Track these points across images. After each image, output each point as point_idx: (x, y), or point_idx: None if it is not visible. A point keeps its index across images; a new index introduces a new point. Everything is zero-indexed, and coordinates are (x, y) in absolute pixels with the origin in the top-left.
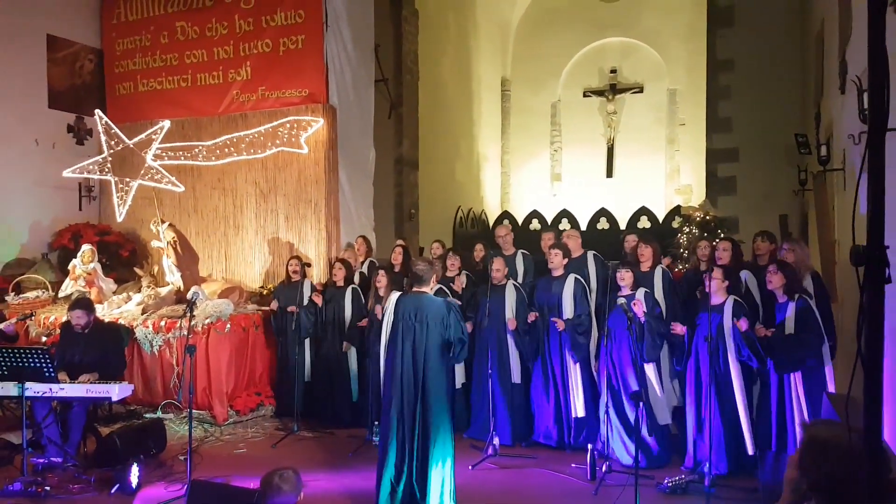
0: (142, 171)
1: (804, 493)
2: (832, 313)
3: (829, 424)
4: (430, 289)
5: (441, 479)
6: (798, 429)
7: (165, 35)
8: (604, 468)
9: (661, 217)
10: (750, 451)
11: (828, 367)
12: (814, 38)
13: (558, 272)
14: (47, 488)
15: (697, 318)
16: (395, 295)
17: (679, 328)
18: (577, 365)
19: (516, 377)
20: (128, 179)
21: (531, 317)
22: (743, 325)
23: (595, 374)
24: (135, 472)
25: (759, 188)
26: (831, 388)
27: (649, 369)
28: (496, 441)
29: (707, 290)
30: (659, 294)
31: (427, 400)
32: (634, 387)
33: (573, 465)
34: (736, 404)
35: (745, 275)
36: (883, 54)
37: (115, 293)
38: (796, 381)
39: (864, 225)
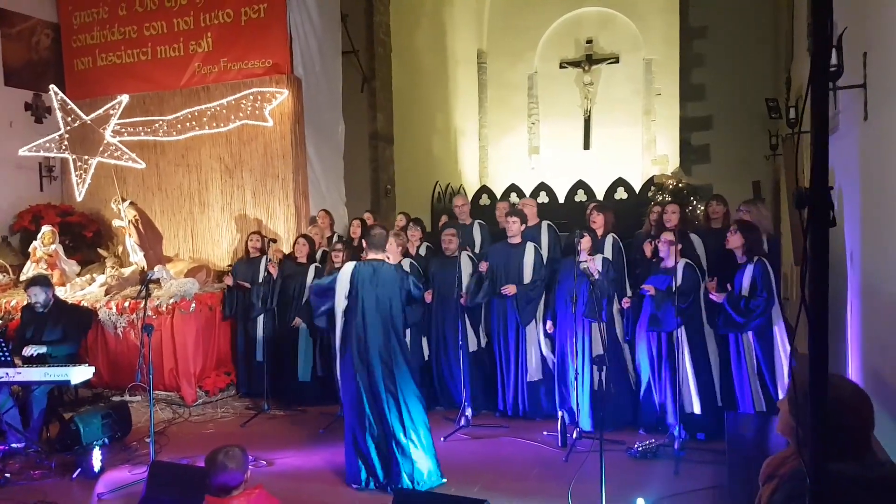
0: (100, 148)
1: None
2: (779, 276)
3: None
4: (385, 256)
5: (419, 447)
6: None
7: (123, 7)
8: (574, 434)
9: (637, 188)
10: (696, 410)
11: (777, 325)
12: (785, 2)
13: (516, 239)
14: (7, 475)
15: (646, 281)
16: (349, 265)
17: (626, 302)
18: (531, 327)
19: (473, 345)
20: (86, 157)
21: (483, 266)
22: (717, 297)
23: (549, 339)
24: (97, 455)
25: (733, 155)
26: (781, 344)
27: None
28: (468, 412)
29: (661, 254)
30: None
31: (391, 368)
32: (598, 350)
33: (545, 432)
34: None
35: (693, 239)
36: None
37: (79, 275)
38: (751, 341)
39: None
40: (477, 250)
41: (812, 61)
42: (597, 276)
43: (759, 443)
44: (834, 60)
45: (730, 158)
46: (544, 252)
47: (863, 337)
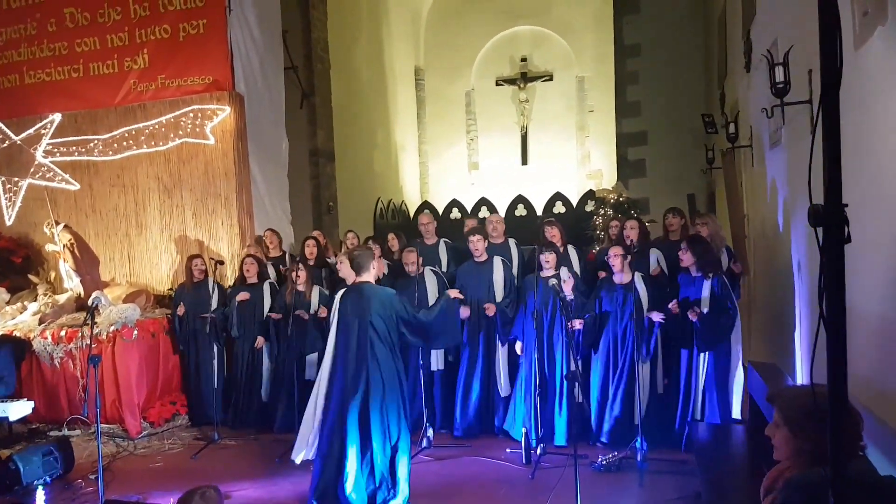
0: (31, 170)
1: (812, 456)
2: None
3: (800, 390)
4: (372, 276)
5: (398, 476)
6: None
7: (53, 23)
8: (538, 451)
9: (574, 202)
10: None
11: (735, 337)
12: (716, 21)
13: (482, 257)
14: None
15: (608, 297)
16: (339, 293)
17: (577, 324)
18: (505, 346)
19: (437, 365)
20: (16, 179)
21: (453, 293)
22: (655, 316)
23: (519, 354)
24: (40, 496)
25: (668, 169)
26: (736, 357)
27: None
28: (430, 433)
29: (613, 268)
30: (576, 271)
31: (382, 394)
32: (571, 367)
33: (508, 450)
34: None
35: (655, 254)
36: (833, 8)
37: (8, 303)
38: (705, 356)
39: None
40: (443, 269)
41: (822, 76)
42: (570, 295)
43: (726, 453)
44: (780, 78)
45: (665, 172)
46: (514, 269)
47: (811, 345)
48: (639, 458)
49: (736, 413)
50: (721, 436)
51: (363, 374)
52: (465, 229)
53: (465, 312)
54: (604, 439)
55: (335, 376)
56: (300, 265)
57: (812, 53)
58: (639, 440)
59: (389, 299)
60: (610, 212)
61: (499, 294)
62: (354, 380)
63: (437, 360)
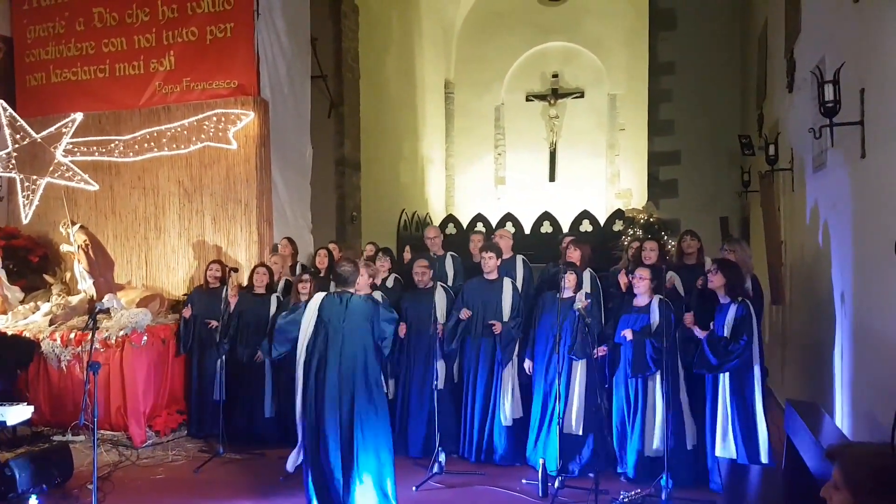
0: (51, 168)
1: None
2: (761, 317)
3: (871, 448)
4: (355, 290)
5: (381, 493)
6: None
7: (81, 22)
8: (556, 483)
9: (602, 221)
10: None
11: (756, 366)
12: (756, 39)
13: (493, 275)
14: None
15: (619, 321)
16: (318, 296)
17: (601, 351)
18: (509, 367)
19: (442, 384)
20: (35, 177)
21: (464, 314)
22: (700, 333)
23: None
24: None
25: (701, 190)
26: (758, 388)
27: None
28: (441, 458)
29: (636, 290)
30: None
31: (359, 408)
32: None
33: (524, 480)
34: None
35: (669, 275)
36: None
37: (22, 302)
38: (726, 385)
39: None
40: (450, 283)
41: None
42: (588, 319)
43: (758, 496)
44: (830, 96)
45: (698, 194)
46: (519, 286)
47: (854, 379)
48: (663, 497)
49: (764, 457)
50: (753, 478)
51: (353, 387)
52: (472, 245)
53: (401, 331)
54: (630, 473)
55: (319, 386)
56: (308, 276)
57: (864, 72)
58: (664, 477)
59: (367, 309)
60: (639, 232)
61: (506, 316)
62: (342, 394)
63: (447, 377)
